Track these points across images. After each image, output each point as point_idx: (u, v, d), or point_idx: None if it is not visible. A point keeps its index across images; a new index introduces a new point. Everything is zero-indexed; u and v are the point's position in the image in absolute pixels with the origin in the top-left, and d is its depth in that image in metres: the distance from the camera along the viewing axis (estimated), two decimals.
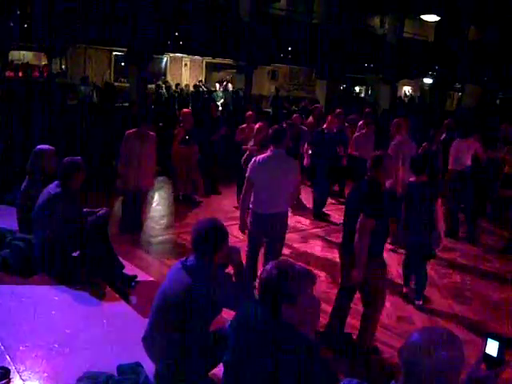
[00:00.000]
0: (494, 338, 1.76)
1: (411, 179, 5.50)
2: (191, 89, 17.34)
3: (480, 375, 1.75)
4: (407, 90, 24.05)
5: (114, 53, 17.49)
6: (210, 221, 3.04)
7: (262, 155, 4.92)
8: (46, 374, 3.21)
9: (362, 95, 23.70)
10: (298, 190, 4.94)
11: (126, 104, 12.31)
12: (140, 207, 7.11)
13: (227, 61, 18.15)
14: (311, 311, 2.28)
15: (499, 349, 1.74)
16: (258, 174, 4.76)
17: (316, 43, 16.80)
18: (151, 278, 5.19)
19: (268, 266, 2.30)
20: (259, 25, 15.78)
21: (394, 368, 3.91)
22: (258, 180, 4.75)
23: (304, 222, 7.84)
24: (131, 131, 6.78)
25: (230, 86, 17.69)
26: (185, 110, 8.17)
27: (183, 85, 17.90)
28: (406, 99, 22.53)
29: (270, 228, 4.82)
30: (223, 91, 17.21)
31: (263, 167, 4.76)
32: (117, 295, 4.44)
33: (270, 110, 15.26)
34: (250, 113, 8.99)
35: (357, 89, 23.98)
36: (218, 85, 18.10)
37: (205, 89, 17.54)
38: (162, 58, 18.89)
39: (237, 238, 5.42)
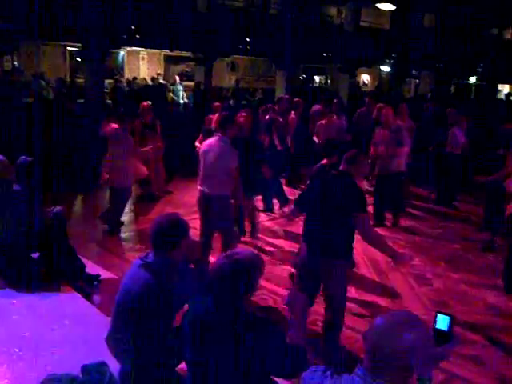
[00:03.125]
0: (444, 314, 1.83)
1: None
2: (149, 82, 17.09)
3: (433, 352, 1.79)
4: (365, 78, 24.35)
5: (69, 48, 17.07)
6: (169, 216, 3.02)
7: (208, 140, 5.45)
8: (7, 380, 3.13)
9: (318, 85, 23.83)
10: (234, 176, 5.25)
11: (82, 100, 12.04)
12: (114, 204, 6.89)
13: (186, 53, 17.97)
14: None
15: (449, 324, 1.80)
16: (201, 156, 5.29)
17: (274, 34, 16.80)
18: (114, 276, 5.12)
19: (220, 260, 2.32)
20: (217, 16, 15.66)
21: (359, 352, 3.98)
22: (202, 161, 5.28)
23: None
24: (116, 126, 6.59)
25: (177, 78, 17.55)
26: (144, 103, 7.98)
27: (139, 78, 17.64)
28: (365, 87, 22.83)
29: (208, 208, 5.23)
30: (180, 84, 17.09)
31: (205, 151, 5.27)
32: (79, 295, 4.37)
33: (231, 101, 15.17)
34: (217, 103, 8.92)
35: (316, 79, 24.12)
36: (177, 78, 17.90)
37: (163, 82, 17.34)
38: (119, 53, 18.57)
39: (197, 230, 5.42)
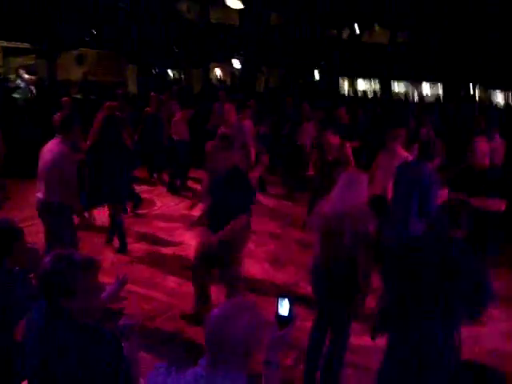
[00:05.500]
0: (284, 297, 1.86)
1: None
2: None
3: (277, 335, 1.85)
4: (218, 73, 24.72)
5: None
6: None
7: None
8: None
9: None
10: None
11: None
12: None
13: (27, 45, 16.60)
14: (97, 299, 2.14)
15: (289, 307, 1.84)
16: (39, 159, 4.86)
17: (125, 27, 16.25)
18: None
19: (45, 260, 2.08)
20: (60, 5, 14.68)
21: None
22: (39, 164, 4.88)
23: None
24: None
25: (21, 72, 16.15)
26: None
27: None
28: (218, 83, 23.15)
29: (41, 214, 4.87)
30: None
31: (43, 153, 4.85)
32: None
33: (79, 96, 14.38)
34: (66, 98, 8.33)
35: (170, 73, 23.89)
36: (21, 71, 16.39)
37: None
38: None
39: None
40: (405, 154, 5.73)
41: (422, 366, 2.87)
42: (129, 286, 5.04)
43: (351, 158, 6.65)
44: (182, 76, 22.04)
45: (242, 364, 1.73)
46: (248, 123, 7.55)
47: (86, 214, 6.01)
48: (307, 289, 5.22)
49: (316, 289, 3.72)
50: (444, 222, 2.94)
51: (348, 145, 6.70)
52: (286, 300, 1.85)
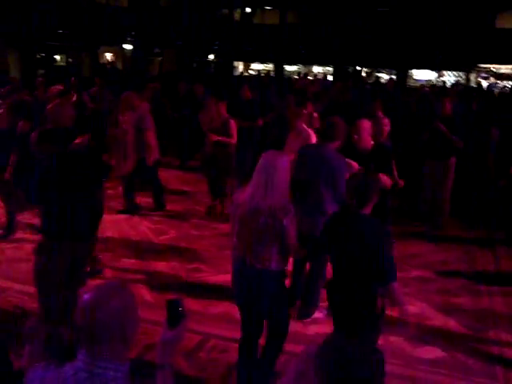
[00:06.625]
0: (173, 300, 1.86)
1: None
2: None
3: (169, 336, 1.81)
4: (109, 56, 23.77)
5: None
6: None
7: None
8: None
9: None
10: None
11: None
12: None
13: None
14: None
15: (180, 307, 1.84)
16: None
17: (2, 6, 15.06)
18: None
19: None
20: None
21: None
22: None
23: None
24: None
25: None
26: None
27: None
28: (109, 66, 22.30)
29: None
30: None
31: None
32: None
33: None
34: None
35: (58, 58, 22.60)
36: None
37: None
38: None
39: None
40: (309, 132, 5.82)
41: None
42: (23, 287, 4.87)
43: (234, 135, 7.00)
44: (70, 60, 20.97)
45: (120, 351, 1.66)
46: (145, 106, 7.30)
47: None
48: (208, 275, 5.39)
49: (237, 286, 3.40)
50: (350, 197, 3.23)
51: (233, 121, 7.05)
52: (175, 301, 1.84)
